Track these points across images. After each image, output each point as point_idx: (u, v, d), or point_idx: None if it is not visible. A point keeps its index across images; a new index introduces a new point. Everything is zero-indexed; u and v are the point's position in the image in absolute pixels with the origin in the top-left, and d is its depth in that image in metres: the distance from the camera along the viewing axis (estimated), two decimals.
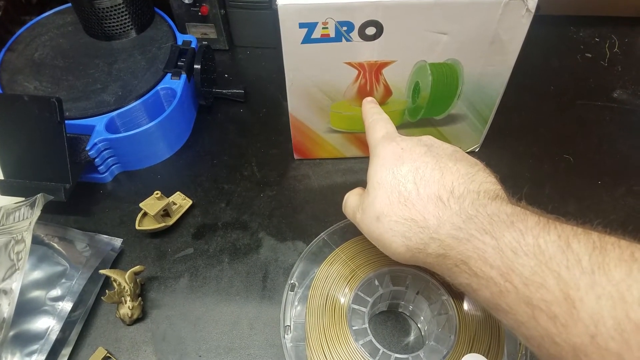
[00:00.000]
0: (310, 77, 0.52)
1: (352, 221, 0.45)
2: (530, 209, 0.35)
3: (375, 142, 0.44)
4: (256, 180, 0.64)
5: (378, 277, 0.47)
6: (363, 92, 0.54)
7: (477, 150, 0.65)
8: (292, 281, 0.48)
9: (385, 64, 0.51)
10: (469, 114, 0.58)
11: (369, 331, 0.44)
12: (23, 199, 0.54)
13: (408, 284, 0.48)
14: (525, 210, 0.34)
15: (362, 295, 0.46)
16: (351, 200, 0.46)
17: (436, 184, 0.37)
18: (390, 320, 0.51)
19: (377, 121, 0.47)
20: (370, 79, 0.52)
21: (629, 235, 0.32)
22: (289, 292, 0.47)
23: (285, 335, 0.44)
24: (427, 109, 0.56)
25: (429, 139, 0.43)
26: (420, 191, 0.37)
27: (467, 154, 0.42)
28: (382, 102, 0.55)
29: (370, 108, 0.50)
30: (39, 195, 0.51)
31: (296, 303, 0.48)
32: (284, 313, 0.46)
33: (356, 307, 0.46)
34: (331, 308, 0.45)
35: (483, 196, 0.36)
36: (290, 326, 0.45)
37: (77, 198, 0.59)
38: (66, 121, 0.54)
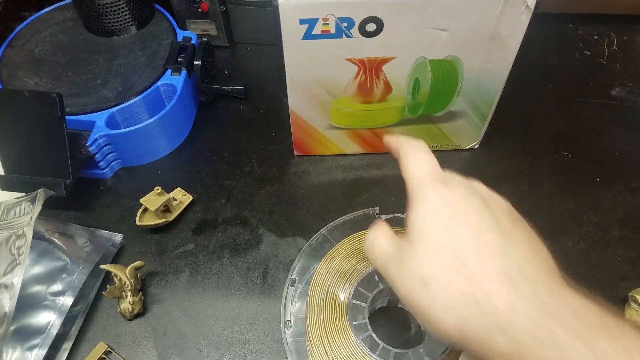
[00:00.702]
0: (311, 73, 0.52)
1: (378, 269, 0.37)
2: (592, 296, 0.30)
3: (419, 180, 0.35)
4: (256, 176, 0.64)
5: (378, 273, 0.48)
6: (363, 89, 0.54)
7: (476, 147, 0.65)
8: (292, 276, 0.48)
9: (385, 60, 0.51)
10: (469, 111, 0.58)
11: (368, 326, 0.45)
12: (24, 194, 0.54)
13: None
14: (603, 304, 0.29)
15: (362, 290, 0.47)
16: (382, 244, 0.37)
17: (500, 255, 0.30)
18: (390, 316, 0.52)
19: (416, 151, 0.38)
20: (371, 75, 0.52)
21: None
22: (290, 287, 0.47)
23: (286, 330, 0.45)
24: (427, 106, 0.57)
25: (480, 186, 0.37)
26: (483, 260, 0.30)
27: (519, 215, 0.36)
28: (382, 99, 0.55)
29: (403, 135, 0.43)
30: (39, 190, 0.51)
31: (296, 298, 0.49)
32: (285, 308, 0.46)
33: (356, 302, 0.46)
34: (331, 303, 0.45)
35: (556, 281, 0.30)
36: (290, 321, 0.46)
37: (77, 194, 0.59)
38: (66, 117, 0.55)
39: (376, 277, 0.48)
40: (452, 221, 0.32)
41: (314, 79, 0.53)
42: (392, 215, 0.52)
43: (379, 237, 0.37)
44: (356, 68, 0.51)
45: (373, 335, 0.44)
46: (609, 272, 0.54)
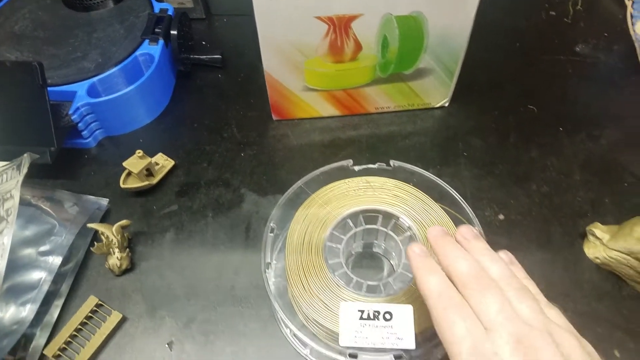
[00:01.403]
0: (282, 33, 0.54)
1: None
2: None
3: (459, 352, 0.31)
4: (236, 141, 0.66)
5: (352, 218, 0.50)
6: (334, 48, 0.56)
7: (446, 105, 0.68)
8: (271, 224, 0.50)
9: (353, 18, 0.53)
10: (437, 68, 0.61)
11: (343, 264, 0.47)
12: (8, 162, 0.56)
13: (380, 222, 0.51)
14: None
15: (337, 234, 0.49)
16: None
17: None
18: (365, 260, 0.55)
19: (448, 308, 0.33)
20: (340, 33, 0.54)
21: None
22: (269, 233, 0.50)
23: (267, 271, 0.47)
24: (397, 63, 0.59)
25: (541, 354, 0.30)
26: None
27: (590, 355, 0.32)
28: (353, 58, 0.58)
29: (427, 265, 0.36)
30: (24, 155, 0.53)
31: (277, 247, 0.51)
32: (264, 252, 0.49)
33: (331, 244, 0.49)
34: (308, 246, 0.48)
35: None
36: (271, 263, 0.48)
37: (62, 163, 0.61)
38: (48, 88, 0.56)
39: (350, 221, 0.50)
40: None
41: (286, 39, 0.55)
42: (365, 167, 0.54)
43: None
44: (326, 26, 0.54)
45: (347, 271, 0.47)
46: (570, 211, 0.58)
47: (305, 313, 0.45)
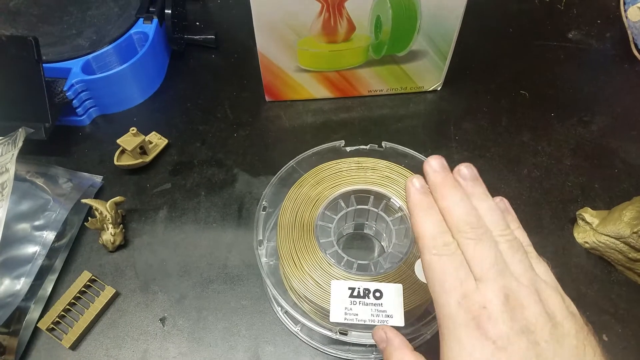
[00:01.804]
0: (276, 11, 0.54)
1: None
2: None
3: (450, 312, 0.31)
4: (230, 121, 0.66)
5: (343, 198, 0.51)
6: (327, 27, 0.56)
7: (439, 89, 0.68)
8: (263, 203, 0.51)
9: None
10: (429, 50, 0.61)
11: (334, 243, 0.48)
12: (2, 137, 0.56)
13: (371, 203, 0.51)
14: None
15: (328, 213, 0.50)
16: None
17: None
18: (356, 241, 0.56)
19: (443, 260, 0.32)
20: (334, 12, 0.55)
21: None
22: (261, 212, 0.50)
23: (259, 248, 0.48)
24: (390, 45, 0.60)
25: (521, 295, 0.30)
26: None
27: (574, 316, 0.31)
28: (346, 38, 0.58)
29: (424, 204, 0.35)
30: (19, 129, 0.53)
31: (269, 226, 0.52)
32: (257, 230, 0.49)
33: (322, 223, 0.49)
34: (300, 225, 0.49)
35: None
36: (263, 241, 0.49)
37: (57, 140, 0.62)
38: (43, 65, 0.56)
39: (341, 202, 0.51)
40: None
41: (280, 18, 0.55)
42: (356, 148, 0.55)
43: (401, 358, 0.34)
44: (319, 5, 0.54)
45: (338, 250, 0.47)
46: (560, 196, 0.59)
47: (297, 290, 0.45)
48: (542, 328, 0.29)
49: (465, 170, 0.36)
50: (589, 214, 0.54)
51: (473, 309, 0.30)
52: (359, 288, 0.43)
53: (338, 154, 0.55)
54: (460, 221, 0.33)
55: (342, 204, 0.51)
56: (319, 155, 0.55)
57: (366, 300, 0.43)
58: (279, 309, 0.50)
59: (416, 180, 0.35)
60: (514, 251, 0.32)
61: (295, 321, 0.49)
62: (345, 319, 0.42)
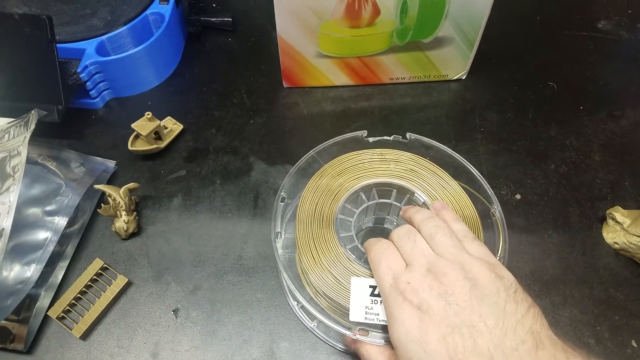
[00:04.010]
0: None
1: None
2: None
3: (385, 293, 0.37)
4: (246, 107, 0.65)
5: (364, 191, 0.49)
6: (351, 11, 0.54)
7: (464, 77, 0.66)
8: (282, 194, 0.49)
9: None
10: (456, 37, 0.59)
11: (354, 238, 0.46)
12: (15, 118, 0.55)
13: (393, 197, 0.49)
14: None
15: (349, 207, 0.48)
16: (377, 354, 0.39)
17: (472, 354, 0.32)
18: (375, 236, 0.53)
19: (378, 254, 0.40)
20: None
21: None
22: (280, 203, 0.49)
23: (277, 240, 0.46)
24: (416, 30, 0.57)
25: (441, 268, 0.36)
26: None
27: (501, 279, 0.35)
28: (370, 23, 0.56)
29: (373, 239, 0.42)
30: (32, 111, 0.52)
31: (287, 217, 0.50)
32: (275, 221, 0.47)
33: (343, 217, 0.47)
34: (319, 218, 0.47)
35: (526, 350, 0.31)
36: (281, 232, 0.47)
37: (69, 123, 0.60)
38: (57, 45, 0.55)
39: (363, 195, 0.49)
40: (423, 339, 0.33)
41: (302, 1, 0.53)
42: (380, 138, 0.53)
43: (371, 352, 0.39)
44: None
45: (359, 245, 0.46)
46: (588, 193, 0.56)
47: (315, 286, 0.44)
48: (461, 291, 0.34)
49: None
50: (619, 214, 0.52)
51: (401, 286, 0.35)
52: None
53: (360, 144, 0.52)
54: (398, 235, 0.40)
55: (364, 197, 0.49)
56: (340, 145, 0.53)
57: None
58: (295, 303, 0.48)
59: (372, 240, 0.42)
60: (439, 236, 0.38)
61: (312, 317, 0.47)
62: (365, 318, 0.40)
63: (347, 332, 0.41)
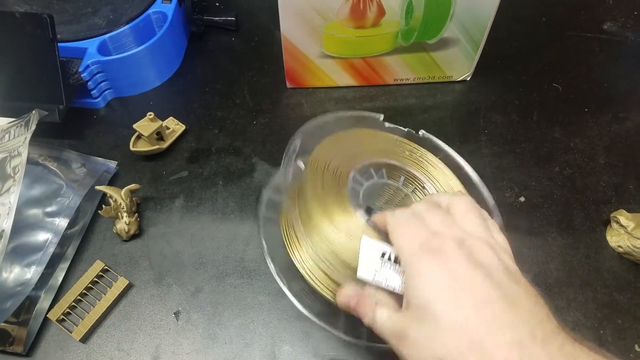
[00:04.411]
0: None
1: (385, 340, 0.35)
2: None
3: (410, 251, 0.35)
4: (249, 107, 0.64)
5: (375, 168, 0.47)
6: (356, 11, 0.54)
7: (468, 79, 0.65)
8: (296, 141, 0.46)
9: None
10: (461, 38, 0.58)
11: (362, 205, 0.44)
12: (16, 118, 0.54)
13: (401, 182, 0.48)
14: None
15: (359, 177, 0.46)
16: (385, 318, 0.35)
17: (511, 329, 0.30)
18: None
19: (403, 222, 0.37)
20: None
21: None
22: (292, 153, 0.45)
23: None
24: (421, 31, 0.57)
25: (476, 226, 0.36)
26: (496, 337, 0.30)
27: (516, 266, 0.35)
28: (375, 23, 0.55)
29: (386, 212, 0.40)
30: (33, 111, 0.51)
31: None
32: (286, 168, 0.45)
33: (355, 185, 0.45)
34: (332, 174, 0.44)
35: (565, 339, 0.31)
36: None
37: (71, 123, 0.60)
38: (58, 44, 0.54)
39: (372, 170, 0.47)
40: (458, 299, 0.31)
41: (307, 0, 0.52)
42: (395, 126, 0.51)
43: (380, 311, 0.36)
44: None
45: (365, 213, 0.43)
46: (592, 196, 0.56)
47: (319, 246, 0.41)
48: (497, 268, 0.33)
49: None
50: (624, 217, 0.52)
51: (433, 248, 0.34)
52: (390, 253, 0.38)
53: (375, 125, 0.51)
54: (418, 206, 0.38)
55: (373, 172, 0.47)
56: (356, 120, 0.51)
57: (397, 267, 0.37)
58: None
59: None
60: (470, 215, 0.37)
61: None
62: (374, 279, 0.37)
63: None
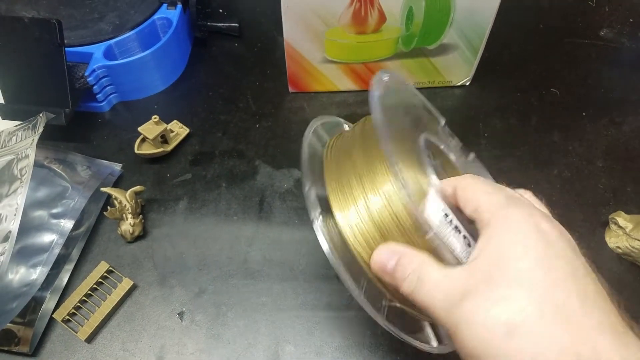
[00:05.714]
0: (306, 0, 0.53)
1: (434, 315, 0.29)
2: None
3: (498, 203, 0.30)
4: (252, 112, 0.65)
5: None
6: (358, 17, 0.55)
7: (467, 84, 0.66)
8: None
9: None
10: (461, 44, 0.59)
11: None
12: (23, 121, 0.55)
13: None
14: None
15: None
16: (440, 276, 0.30)
17: (604, 304, 0.26)
18: None
19: (480, 180, 0.33)
20: (365, 3, 0.53)
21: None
22: (310, 135, 0.43)
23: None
24: (421, 37, 0.58)
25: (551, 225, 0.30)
26: (588, 310, 0.26)
27: None
28: (376, 29, 0.56)
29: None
30: (40, 114, 0.52)
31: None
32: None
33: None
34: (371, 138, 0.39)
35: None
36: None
37: (76, 126, 0.60)
38: (65, 48, 0.55)
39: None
40: (549, 260, 0.27)
41: (309, 6, 0.54)
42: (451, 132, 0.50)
43: (427, 270, 0.30)
44: None
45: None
46: (591, 198, 0.57)
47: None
48: (570, 239, 0.30)
49: None
50: (622, 218, 0.52)
51: (521, 202, 0.31)
52: (453, 218, 0.33)
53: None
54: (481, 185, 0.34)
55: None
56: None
57: (457, 234, 0.32)
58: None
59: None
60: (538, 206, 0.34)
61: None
62: (439, 227, 0.32)
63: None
